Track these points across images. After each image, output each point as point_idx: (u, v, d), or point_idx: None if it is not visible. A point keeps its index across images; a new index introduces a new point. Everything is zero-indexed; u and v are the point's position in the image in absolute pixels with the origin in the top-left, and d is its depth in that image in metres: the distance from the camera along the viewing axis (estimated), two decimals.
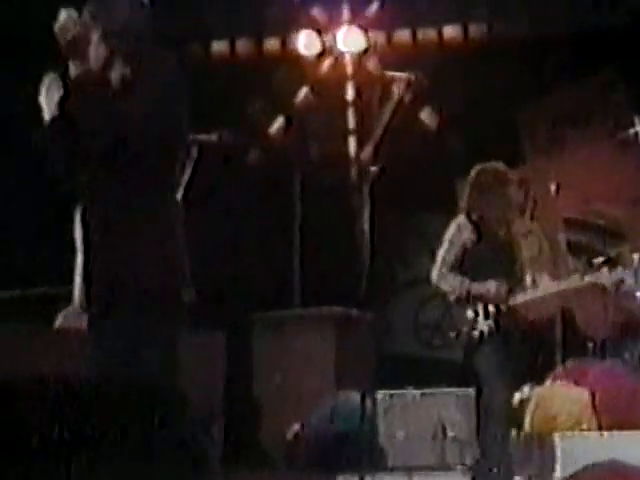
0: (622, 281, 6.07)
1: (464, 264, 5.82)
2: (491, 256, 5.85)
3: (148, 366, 3.76)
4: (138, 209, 3.79)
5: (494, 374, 5.50)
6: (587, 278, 6.41)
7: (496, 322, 5.66)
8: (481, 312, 5.71)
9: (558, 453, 5.74)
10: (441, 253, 5.89)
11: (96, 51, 3.85)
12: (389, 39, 8.99)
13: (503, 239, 5.89)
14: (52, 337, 5.97)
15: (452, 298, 5.85)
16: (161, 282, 3.91)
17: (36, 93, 3.81)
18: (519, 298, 5.80)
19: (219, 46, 9.25)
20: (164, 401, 3.39)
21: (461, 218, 5.92)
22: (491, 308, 5.71)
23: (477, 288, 5.75)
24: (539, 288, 5.85)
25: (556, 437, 5.83)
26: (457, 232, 5.88)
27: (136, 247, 3.82)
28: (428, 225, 9.77)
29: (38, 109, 3.80)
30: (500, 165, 6.00)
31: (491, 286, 5.74)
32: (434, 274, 5.86)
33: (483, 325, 5.69)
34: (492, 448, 5.42)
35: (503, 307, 5.70)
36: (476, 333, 5.70)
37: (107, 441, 3.19)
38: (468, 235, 5.86)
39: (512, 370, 5.59)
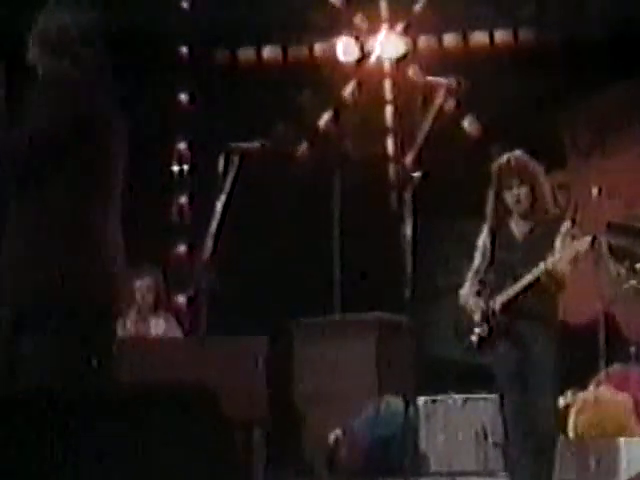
0: None
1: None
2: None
3: None
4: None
5: (538, 379, 5.45)
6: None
7: (537, 327, 5.59)
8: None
9: (622, 458, 5.72)
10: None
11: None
12: (428, 44, 8.99)
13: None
14: None
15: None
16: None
17: None
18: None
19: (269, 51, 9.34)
20: (207, 406, 3.40)
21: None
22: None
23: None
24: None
25: (621, 442, 5.81)
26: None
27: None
28: (468, 230, 9.76)
29: None
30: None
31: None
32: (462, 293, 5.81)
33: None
34: (535, 453, 5.38)
35: (545, 312, 5.62)
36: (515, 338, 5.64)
37: (149, 446, 3.22)
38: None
39: (556, 375, 5.53)
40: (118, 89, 3.97)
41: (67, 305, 3.73)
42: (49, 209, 3.77)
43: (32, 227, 3.78)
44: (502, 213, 5.72)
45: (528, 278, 5.51)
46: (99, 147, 3.81)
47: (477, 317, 5.67)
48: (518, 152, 5.71)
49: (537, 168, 5.73)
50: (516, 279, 5.57)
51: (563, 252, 5.45)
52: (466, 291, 5.78)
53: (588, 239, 5.53)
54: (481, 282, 5.74)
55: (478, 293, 5.71)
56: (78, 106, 3.76)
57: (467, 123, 8.58)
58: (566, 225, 5.61)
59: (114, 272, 3.91)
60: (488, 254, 5.73)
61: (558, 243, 5.53)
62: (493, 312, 5.62)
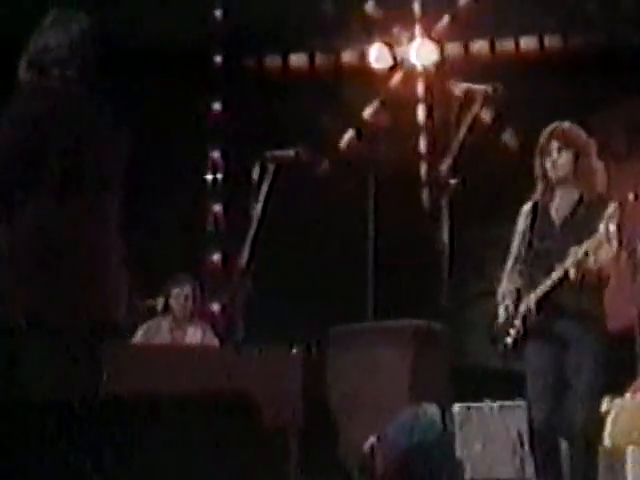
0: None
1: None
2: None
3: None
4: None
5: (574, 386, 5.32)
6: None
7: (579, 327, 5.31)
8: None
9: (628, 466, 5.67)
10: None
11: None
12: (462, 51, 8.99)
13: None
14: None
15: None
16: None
17: None
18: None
19: (296, 59, 9.35)
20: (242, 414, 3.42)
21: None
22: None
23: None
24: None
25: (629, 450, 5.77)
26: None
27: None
28: (503, 237, 9.73)
29: None
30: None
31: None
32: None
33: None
34: (573, 461, 5.30)
35: (588, 310, 5.31)
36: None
37: (185, 454, 3.23)
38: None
39: (598, 380, 5.34)
40: (119, 103, 3.99)
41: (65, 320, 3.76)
42: (42, 223, 3.77)
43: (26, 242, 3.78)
44: (544, 189, 5.36)
45: (564, 268, 5.12)
46: (83, 162, 3.81)
47: (513, 316, 5.33)
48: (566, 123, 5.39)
49: (585, 138, 5.35)
50: (551, 272, 5.18)
51: (604, 238, 4.99)
52: (503, 287, 5.44)
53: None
54: (520, 274, 5.37)
55: (517, 290, 5.34)
56: (62, 121, 3.79)
57: (507, 138, 8.55)
58: (613, 206, 5.19)
59: (112, 288, 3.91)
60: (527, 240, 5.35)
61: (602, 227, 5.03)
62: (529, 310, 5.27)
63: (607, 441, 6.28)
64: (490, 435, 7.46)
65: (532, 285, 5.30)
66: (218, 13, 9.31)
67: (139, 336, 7.44)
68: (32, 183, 3.76)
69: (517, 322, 5.36)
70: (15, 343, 3.78)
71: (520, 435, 7.34)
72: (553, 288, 5.21)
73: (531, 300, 5.29)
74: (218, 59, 9.45)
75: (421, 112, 9.28)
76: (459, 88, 4.21)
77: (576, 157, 5.28)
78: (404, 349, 8.13)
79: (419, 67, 9.04)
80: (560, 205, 5.37)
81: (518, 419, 7.40)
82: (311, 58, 9.34)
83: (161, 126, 7.96)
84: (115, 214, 3.96)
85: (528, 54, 8.88)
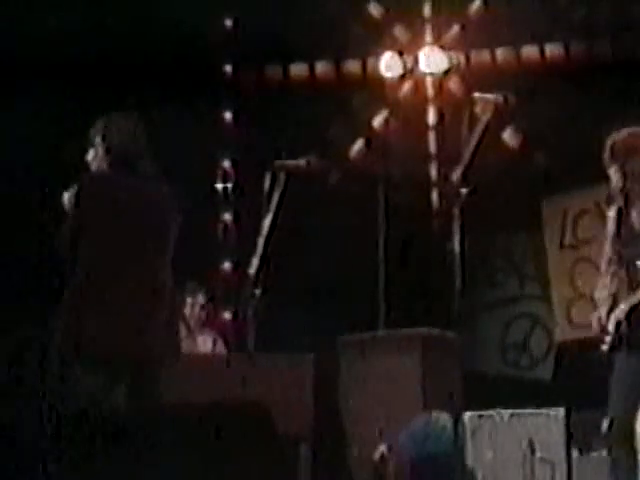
0: None
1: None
2: None
3: None
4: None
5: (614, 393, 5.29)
6: None
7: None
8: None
9: None
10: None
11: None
12: (472, 59, 8.98)
13: None
14: None
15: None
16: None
17: None
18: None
19: (298, 68, 9.35)
20: (254, 422, 3.43)
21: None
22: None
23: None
24: None
25: None
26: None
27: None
28: (514, 245, 9.73)
29: None
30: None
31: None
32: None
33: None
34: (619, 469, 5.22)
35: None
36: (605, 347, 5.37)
37: (197, 461, 3.24)
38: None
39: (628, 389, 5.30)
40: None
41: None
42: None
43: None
44: (624, 196, 5.33)
45: None
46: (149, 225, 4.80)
47: (608, 323, 5.32)
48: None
49: None
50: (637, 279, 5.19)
51: None
52: (599, 293, 5.41)
53: None
54: (613, 276, 5.34)
55: (613, 296, 5.31)
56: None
57: (507, 136, 8.55)
58: None
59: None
60: (614, 245, 5.30)
61: None
62: (621, 319, 5.26)
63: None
64: (501, 443, 7.45)
65: (624, 290, 5.29)
66: (228, 22, 9.32)
67: None
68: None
69: (611, 328, 5.32)
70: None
71: (531, 443, 7.33)
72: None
73: (622, 311, 5.29)
74: (228, 69, 9.47)
75: (431, 120, 9.28)
76: (470, 96, 4.21)
77: None
78: (415, 358, 8.12)
79: (429, 75, 9.04)
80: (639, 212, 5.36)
81: (529, 427, 7.40)
82: (312, 67, 9.34)
83: (171, 136, 7.99)
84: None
85: (552, 61, 8.85)
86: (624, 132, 5.39)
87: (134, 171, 4.78)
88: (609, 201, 5.48)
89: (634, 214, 5.36)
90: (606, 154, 5.39)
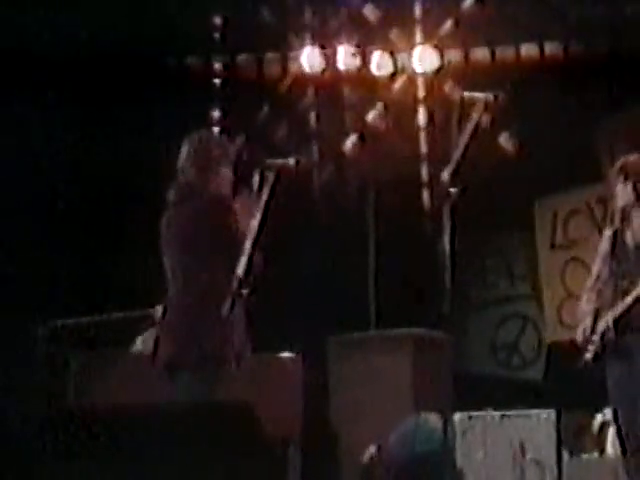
0: None
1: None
2: None
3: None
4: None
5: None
6: None
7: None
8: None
9: None
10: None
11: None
12: (463, 58, 8.96)
13: None
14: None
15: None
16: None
17: None
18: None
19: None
20: (242, 423, 3.40)
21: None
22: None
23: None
24: None
25: None
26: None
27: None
28: (505, 245, 9.71)
29: None
30: None
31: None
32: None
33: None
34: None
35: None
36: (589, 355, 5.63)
37: (185, 462, 3.22)
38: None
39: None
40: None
41: None
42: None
43: None
44: (621, 217, 5.63)
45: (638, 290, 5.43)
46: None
47: (592, 333, 5.62)
48: None
49: None
50: (627, 292, 5.50)
51: None
52: (582, 307, 5.73)
53: None
54: (599, 294, 5.65)
55: (596, 310, 5.63)
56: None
57: (504, 141, 8.52)
58: None
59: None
60: (608, 261, 5.62)
61: None
62: (608, 328, 5.56)
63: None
64: (491, 444, 7.43)
65: (609, 305, 5.58)
66: (217, 19, 9.28)
67: (138, 346, 7.39)
68: None
69: (596, 338, 5.61)
70: None
71: (521, 444, 7.31)
72: (629, 309, 5.50)
73: (609, 319, 5.56)
74: (217, 66, 9.42)
75: (422, 119, 9.25)
76: (460, 96, 4.19)
77: None
78: (405, 358, 8.10)
79: (420, 74, 9.01)
80: (635, 231, 5.63)
81: (519, 428, 7.37)
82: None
83: (159, 132, 7.94)
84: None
85: (528, 62, 8.85)
86: (636, 155, 5.68)
87: None
88: (610, 219, 5.81)
89: (628, 235, 5.62)
90: (615, 173, 5.64)
